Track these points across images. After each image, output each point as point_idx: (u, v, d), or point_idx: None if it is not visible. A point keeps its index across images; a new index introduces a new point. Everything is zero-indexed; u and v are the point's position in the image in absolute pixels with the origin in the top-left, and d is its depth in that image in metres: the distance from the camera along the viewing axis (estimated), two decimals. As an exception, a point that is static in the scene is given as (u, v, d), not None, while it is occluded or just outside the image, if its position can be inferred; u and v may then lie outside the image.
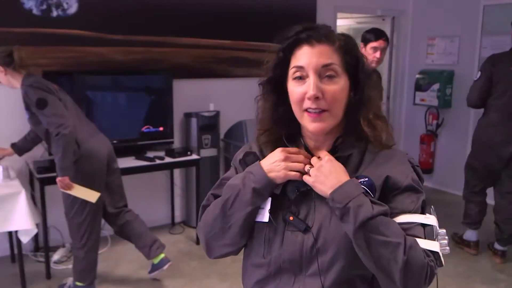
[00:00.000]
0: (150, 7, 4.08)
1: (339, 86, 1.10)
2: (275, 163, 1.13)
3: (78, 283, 3.11)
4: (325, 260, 1.09)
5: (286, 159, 1.12)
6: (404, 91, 5.90)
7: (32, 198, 3.54)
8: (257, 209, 1.14)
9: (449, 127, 5.41)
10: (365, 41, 3.34)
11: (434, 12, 5.48)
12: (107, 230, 4.07)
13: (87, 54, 3.84)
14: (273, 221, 1.14)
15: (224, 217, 1.15)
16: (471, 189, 3.88)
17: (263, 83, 1.21)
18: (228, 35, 4.54)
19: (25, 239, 3.05)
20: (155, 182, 4.35)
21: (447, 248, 1.08)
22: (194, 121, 4.26)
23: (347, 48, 1.12)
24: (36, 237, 3.67)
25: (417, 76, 5.54)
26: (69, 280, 3.21)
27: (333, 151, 1.14)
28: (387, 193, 1.10)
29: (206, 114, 4.28)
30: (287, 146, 1.17)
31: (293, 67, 1.12)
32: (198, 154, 4.17)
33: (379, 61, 3.36)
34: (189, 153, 4.04)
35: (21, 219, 2.96)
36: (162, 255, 3.31)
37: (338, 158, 1.12)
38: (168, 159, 3.91)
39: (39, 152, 3.69)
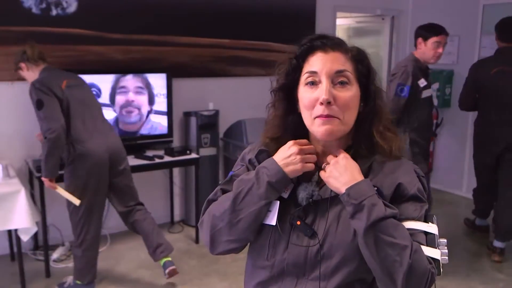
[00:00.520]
0: (149, 6, 4.08)
1: (351, 93, 1.11)
2: (291, 157, 1.13)
3: (77, 282, 3.11)
4: (329, 265, 1.10)
5: (300, 152, 1.13)
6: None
7: (32, 196, 3.54)
8: (268, 206, 1.14)
9: (449, 127, 5.41)
10: (425, 37, 3.28)
11: (433, 11, 5.48)
12: (107, 229, 4.08)
13: (86, 53, 3.84)
14: (279, 225, 1.14)
15: (234, 211, 1.14)
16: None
17: (275, 90, 1.21)
18: (227, 34, 4.53)
19: (25, 237, 3.06)
20: (155, 181, 4.36)
21: (447, 258, 1.09)
22: (193, 120, 4.26)
23: (359, 58, 1.14)
24: (35, 235, 3.67)
25: (417, 75, 5.54)
26: (69, 279, 3.22)
27: None
28: (394, 201, 1.11)
29: (205, 113, 4.28)
30: None
31: (306, 73, 1.13)
32: (198, 153, 4.17)
33: (440, 56, 3.34)
34: (188, 152, 4.04)
35: (21, 218, 2.97)
36: (165, 259, 3.27)
37: None
38: (167, 158, 3.91)
39: (38, 151, 3.68)
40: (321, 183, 1.17)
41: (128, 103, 3.96)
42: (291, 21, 4.74)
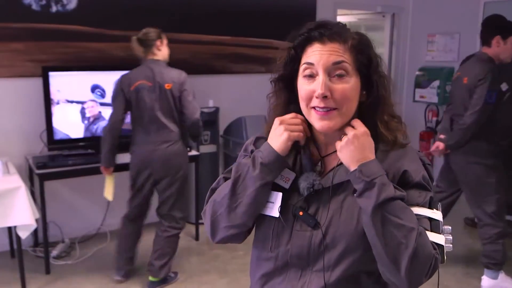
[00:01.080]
0: (150, 3, 4.07)
1: (349, 85, 1.09)
2: (275, 132, 1.13)
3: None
4: (332, 256, 1.10)
5: (282, 122, 1.13)
6: (404, 88, 5.89)
7: (32, 193, 3.53)
8: (266, 188, 1.14)
9: (449, 124, 5.40)
10: (504, 35, 3.15)
11: (434, 8, 5.48)
12: (106, 226, 4.08)
13: (86, 49, 3.83)
14: (282, 215, 1.14)
15: (232, 195, 1.14)
16: None
17: (274, 80, 1.21)
18: (228, 31, 4.53)
19: (23, 234, 3.05)
20: (155, 178, 4.35)
21: (451, 245, 1.09)
22: (193, 117, 4.24)
23: (360, 47, 1.11)
24: (35, 232, 3.68)
25: (417, 73, 5.54)
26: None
27: None
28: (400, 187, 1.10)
29: (205, 110, 4.27)
30: (298, 143, 1.17)
31: (303, 64, 1.12)
32: (198, 150, 4.17)
33: None
34: (188, 149, 4.03)
35: (20, 215, 2.96)
36: (150, 278, 3.27)
37: None
38: (167, 155, 3.89)
39: (38, 147, 3.69)
40: (323, 173, 1.16)
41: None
42: (291, 18, 4.72)
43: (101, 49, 3.90)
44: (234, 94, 4.62)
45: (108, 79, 3.80)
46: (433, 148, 3.38)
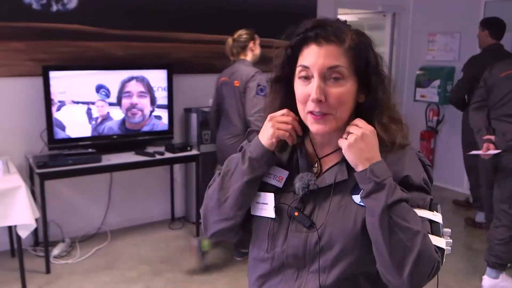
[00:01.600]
0: (150, 2, 4.07)
1: (344, 89, 1.07)
2: (265, 127, 1.14)
3: None
4: (329, 257, 1.08)
5: (271, 118, 1.13)
6: (405, 87, 5.89)
7: (32, 193, 3.53)
8: (255, 183, 1.14)
9: (450, 124, 5.40)
10: None
11: (434, 8, 5.47)
12: (107, 225, 4.08)
13: (86, 49, 3.83)
14: (277, 216, 1.13)
15: (222, 189, 1.15)
16: None
17: (271, 81, 1.20)
18: (228, 30, 4.50)
19: (23, 233, 3.05)
20: (155, 177, 4.35)
21: (450, 248, 1.09)
22: (194, 116, 4.25)
23: (358, 49, 1.08)
24: (35, 232, 3.67)
25: (418, 72, 5.53)
26: None
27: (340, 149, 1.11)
28: None
29: (206, 109, 4.26)
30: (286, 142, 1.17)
31: (299, 66, 1.10)
32: (198, 150, 4.16)
33: None
34: (189, 148, 4.03)
35: (20, 214, 2.96)
36: None
37: None
38: (168, 155, 3.90)
39: (38, 147, 3.69)
40: (319, 173, 1.15)
41: (132, 106, 3.96)
42: (292, 17, 4.70)
43: (102, 49, 3.89)
44: (234, 94, 4.61)
45: (112, 79, 3.82)
46: (484, 150, 3.21)
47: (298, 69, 1.10)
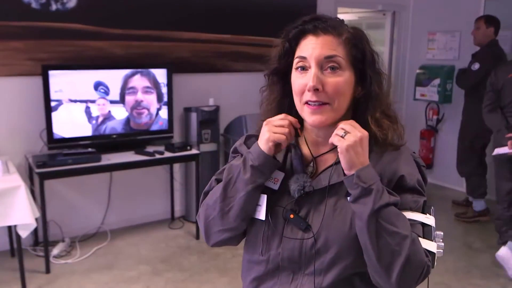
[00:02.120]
0: (150, 1, 4.06)
1: (342, 79, 1.07)
2: (262, 132, 1.11)
3: None
4: (325, 260, 1.08)
5: (267, 123, 1.11)
6: (405, 86, 5.88)
7: (32, 192, 3.53)
8: (258, 191, 1.12)
9: (450, 123, 5.39)
10: None
11: (434, 7, 5.46)
12: (107, 225, 4.08)
13: (86, 48, 3.82)
14: (271, 218, 1.12)
15: (225, 198, 1.12)
16: None
17: (268, 73, 1.19)
18: (228, 29, 4.52)
19: (23, 233, 3.05)
20: (155, 176, 4.35)
21: (442, 250, 1.08)
22: (194, 115, 4.24)
23: (354, 41, 1.09)
24: (35, 231, 3.67)
25: (418, 71, 5.52)
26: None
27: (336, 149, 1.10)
28: (393, 191, 1.08)
29: (206, 108, 4.27)
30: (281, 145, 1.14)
31: (297, 57, 1.10)
32: (198, 149, 4.16)
33: None
34: (188, 147, 4.03)
35: (20, 214, 2.96)
36: None
37: None
38: (167, 154, 3.90)
39: (38, 146, 3.68)
40: (314, 174, 1.14)
41: (137, 103, 3.93)
42: (292, 16, 4.68)
43: (101, 48, 3.89)
44: (234, 93, 4.61)
45: (111, 76, 3.80)
46: (510, 147, 3.36)
47: (295, 60, 1.10)
